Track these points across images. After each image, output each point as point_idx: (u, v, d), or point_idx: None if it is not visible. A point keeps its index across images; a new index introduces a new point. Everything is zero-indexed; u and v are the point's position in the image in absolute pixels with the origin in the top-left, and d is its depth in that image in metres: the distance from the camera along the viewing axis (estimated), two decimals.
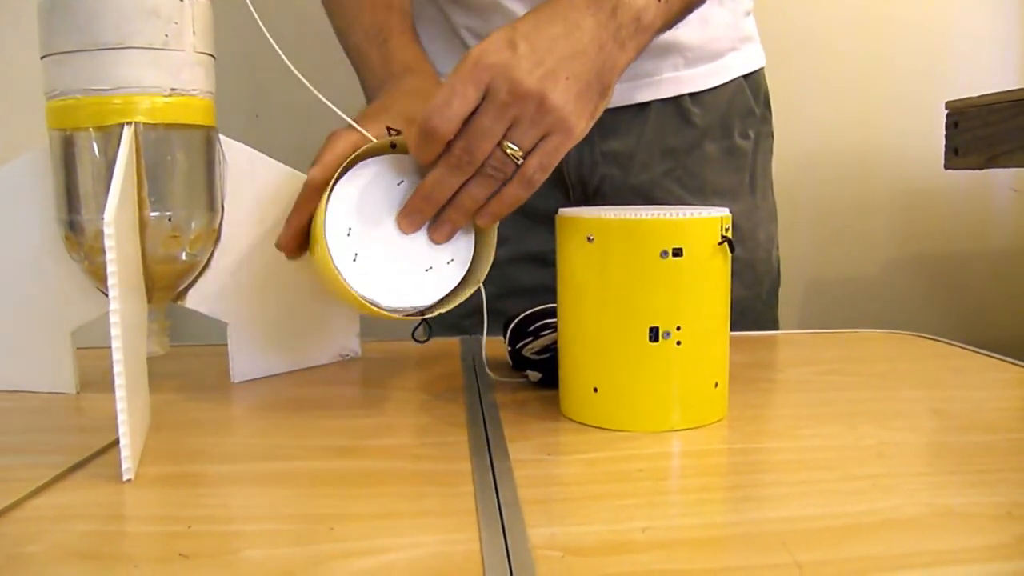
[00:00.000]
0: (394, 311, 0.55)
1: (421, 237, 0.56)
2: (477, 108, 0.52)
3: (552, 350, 0.57)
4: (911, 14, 1.47)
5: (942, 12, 1.48)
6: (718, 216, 0.50)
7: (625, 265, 0.49)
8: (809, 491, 0.42)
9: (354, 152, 0.56)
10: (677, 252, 0.49)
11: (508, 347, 0.62)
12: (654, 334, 0.49)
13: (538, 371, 0.59)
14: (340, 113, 0.58)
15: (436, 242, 0.56)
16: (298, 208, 0.57)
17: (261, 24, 0.55)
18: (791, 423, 0.54)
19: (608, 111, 0.78)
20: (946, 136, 1.19)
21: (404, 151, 0.57)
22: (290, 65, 0.56)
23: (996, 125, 1.10)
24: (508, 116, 0.52)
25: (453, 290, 0.57)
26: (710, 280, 0.51)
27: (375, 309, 0.54)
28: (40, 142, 0.57)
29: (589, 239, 0.50)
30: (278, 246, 0.59)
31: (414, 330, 0.57)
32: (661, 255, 0.49)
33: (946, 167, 1.20)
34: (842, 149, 1.47)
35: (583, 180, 0.88)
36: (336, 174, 0.55)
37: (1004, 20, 1.50)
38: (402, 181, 0.56)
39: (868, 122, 1.48)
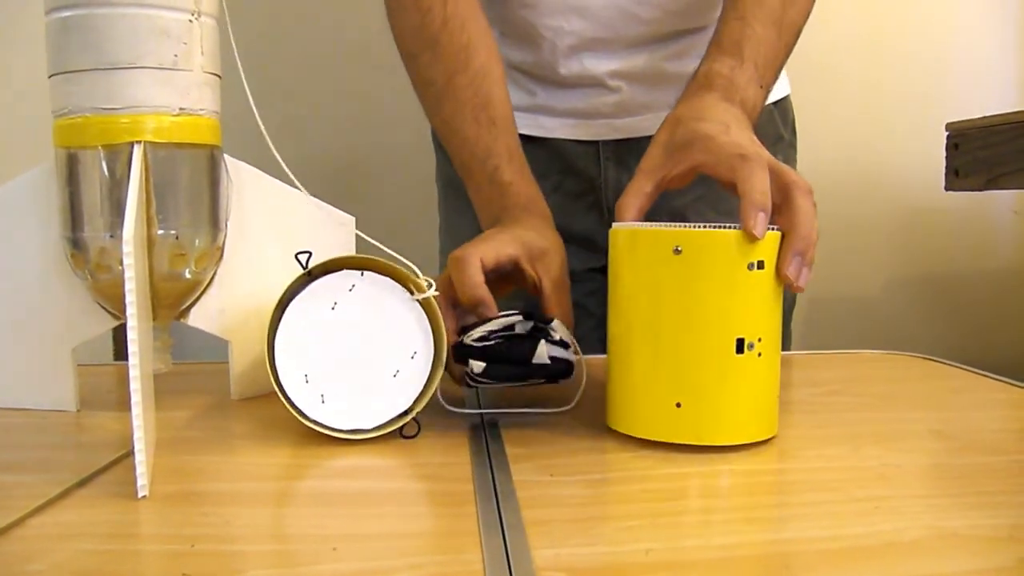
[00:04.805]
0: (382, 427, 0.54)
1: (377, 348, 0.54)
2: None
3: (497, 337, 0.54)
4: (912, 37, 1.49)
5: (943, 35, 1.49)
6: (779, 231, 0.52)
7: (715, 277, 0.50)
8: (812, 513, 0.42)
9: (481, 263, 0.57)
10: (760, 265, 0.50)
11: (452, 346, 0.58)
12: (740, 346, 0.50)
13: (481, 360, 0.54)
14: (305, 191, 0.59)
15: (801, 288, 0.52)
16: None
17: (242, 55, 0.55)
18: (794, 444, 0.54)
19: (646, 138, 0.80)
20: (947, 157, 1.20)
21: (324, 273, 0.53)
22: (259, 118, 0.56)
23: (996, 147, 1.10)
24: None
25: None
26: (780, 293, 0.52)
27: (365, 436, 0.53)
28: (37, 159, 0.57)
29: (677, 250, 0.50)
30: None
31: (402, 429, 0.54)
32: (748, 267, 0.50)
33: (947, 188, 1.21)
34: (843, 170, 1.48)
35: None
36: (272, 323, 0.53)
37: (1004, 43, 1.51)
38: (335, 304, 0.53)
39: (869, 143, 1.49)
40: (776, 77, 0.71)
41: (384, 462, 0.51)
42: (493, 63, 0.74)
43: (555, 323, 0.56)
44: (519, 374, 0.54)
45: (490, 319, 0.56)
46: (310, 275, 0.53)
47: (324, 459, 0.51)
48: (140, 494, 0.44)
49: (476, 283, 0.58)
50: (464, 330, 0.57)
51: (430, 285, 0.54)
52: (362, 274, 0.54)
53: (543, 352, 0.53)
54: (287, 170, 0.58)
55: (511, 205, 0.70)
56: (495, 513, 0.42)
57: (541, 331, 0.54)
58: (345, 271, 0.53)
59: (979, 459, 0.51)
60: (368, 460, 0.51)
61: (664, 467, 0.49)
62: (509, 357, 0.53)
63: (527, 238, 0.64)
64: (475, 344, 0.54)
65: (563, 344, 0.55)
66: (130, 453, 0.48)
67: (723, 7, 0.72)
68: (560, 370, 0.54)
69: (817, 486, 0.46)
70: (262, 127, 0.57)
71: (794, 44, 0.72)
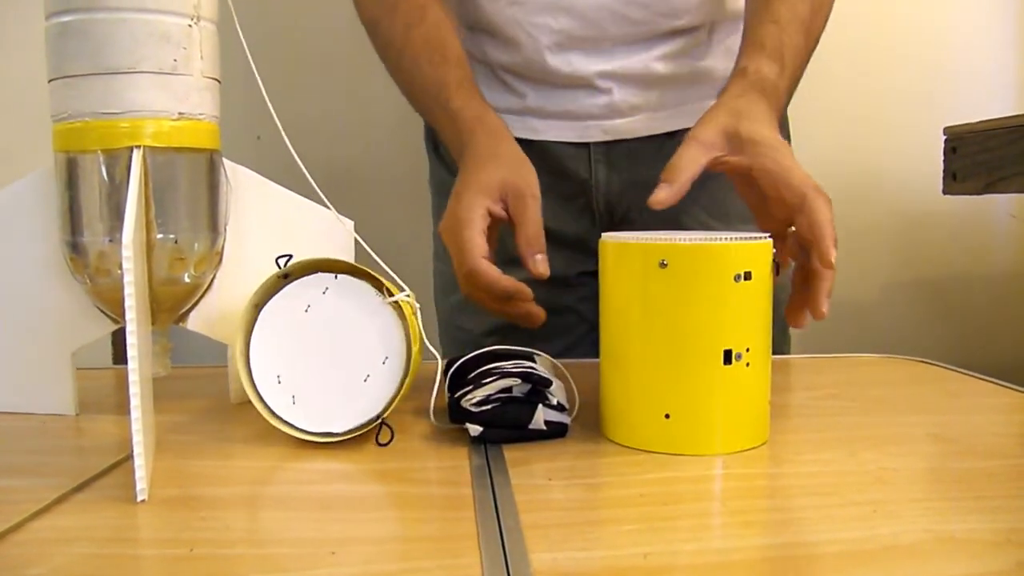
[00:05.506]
0: (352, 431, 0.53)
1: (349, 352, 0.54)
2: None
3: (495, 401, 0.54)
4: (910, 40, 1.49)
5: (941, 38, 1.50)
6: (769, 240, 0.52)
7: (701, 289, 0.50)
8: (810, 517, 0.42)
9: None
10: (747, 276, 0.50)
11: (448, 394, 0.58)
12: (727, 357, 0.50)
13: (480, 424, 0.53)
14: (312, 181, 0.59)
15: (821, 316, 0.57)
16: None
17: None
18: (792, 448, 0.54)
19: (636, 140, 0.79)
20: (944, 161, 1.20)
21: (299, 275, 0.54)
22: (274, 114, 0.57)
23: (994, 151, 1.11)
24: None
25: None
26: (769, 302, 0.52)
27: (333, 439, 0.53)
28: (37, 163, 0.57)
29: (663, 264, 0.50)
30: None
31: (377, 436, 0.54)
32: (735, 279, 0.50)
33: (945, 192, 1.21)
34: (842, 173, 1.48)
35: (611, 207, 0.89)
36: (247, 323, 0.54)
37: (1002, 47, 1.51)
38: (308, 306, 0.54)
39: (868, 147, 1.49)
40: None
41: (383, 466, 0.51)
42: (445, 19, 0.78)
43: (554, 386, 0.55)
44: (515, 437, 0.54)
45: (488, 380, 0.54)
46: (285, 277, 0.54)
47: (323, 463, 0.51)
48: (139, 498, 0.44)
49: (496, 280, 0.62)
50: (459, 385, 0.57)
51: (403, 291, 0.54)
52: (336, 277, 0.54)
53: (540, 418, 0.54)
54: (306, 173, 0.58)
55: (463, 133, 0.71)
56: (493, 517, 0.42)
57: (539, 395, 0.54)
58: (319, 274, 0.54)
59: (977, 463, 0.51)
60: (367, 464, 0.51)
61: (661, 471, 0.49)
62: (506, 422, 0.54)
63: (485, 180, 0.66)
64: (473, 409, 0.54)
65: (560, 408, 0.55)
66: (129, 457, 0.48)
67: (754, 6, 0.71)
68: (555, 432, 0.55)
69: (815, 490, 0.46)
70: (282, 131, 0.57)
71: (813, 52, 0.73)
